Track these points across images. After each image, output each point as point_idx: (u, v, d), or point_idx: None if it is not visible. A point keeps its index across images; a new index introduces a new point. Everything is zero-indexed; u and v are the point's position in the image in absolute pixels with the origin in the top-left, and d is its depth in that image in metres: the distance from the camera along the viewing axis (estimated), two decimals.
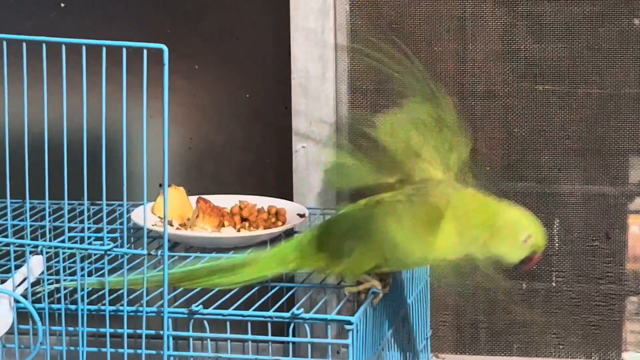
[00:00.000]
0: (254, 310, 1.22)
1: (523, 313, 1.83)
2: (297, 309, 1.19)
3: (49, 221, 1.60)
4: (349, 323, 1.16)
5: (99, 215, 1.61)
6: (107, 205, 1.65)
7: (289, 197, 1.77)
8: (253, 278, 1.28)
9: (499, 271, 1.31)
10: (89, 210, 1.65)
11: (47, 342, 1.22)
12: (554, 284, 1.82)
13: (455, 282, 1.29)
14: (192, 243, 1.46)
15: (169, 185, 1.55)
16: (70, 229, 1.57)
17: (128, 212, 1.56)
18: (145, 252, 1.19)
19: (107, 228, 1.57)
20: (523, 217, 1.30)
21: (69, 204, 1.57)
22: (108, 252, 1.22)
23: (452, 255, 1.28)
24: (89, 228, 1.57)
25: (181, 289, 1.29)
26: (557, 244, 1.81)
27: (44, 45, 1.15)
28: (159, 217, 1.52)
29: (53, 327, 1.23)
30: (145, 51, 1.13)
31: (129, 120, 1.19)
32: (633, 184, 1.79)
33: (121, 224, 1.59)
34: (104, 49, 1.14)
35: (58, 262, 1.25)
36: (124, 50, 1.14)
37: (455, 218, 1.26)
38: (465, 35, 1.79)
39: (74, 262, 1.23)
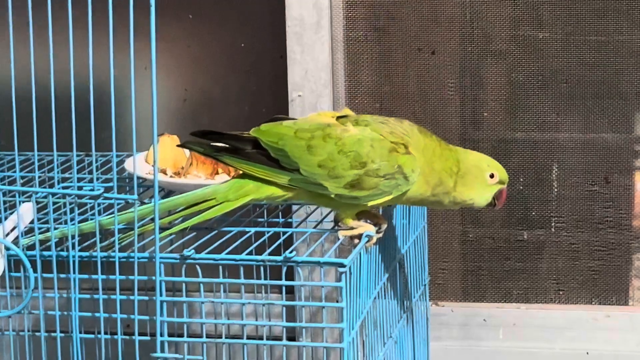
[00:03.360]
0: (248, 254, 1.21)
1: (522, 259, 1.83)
2: (290, 252, 1.18)
3: (44, 172, 1.60)
4: (342, 266, 1.15)
5: (93, 166, 1.60)
6: (102, 156, 1.65)
7: None
8: (219, 213, 1.28)
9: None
10: (83, 161, 1.65)
11: (40, 289, 1.22)
12: (553, 230, 1.81)
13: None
14: (186, 191, 1.45)
15: (162, 134, 1.55)
16: (65, 180, 1.56)
17: (123, 162, 1.56)
18: (135, 197, 1.18)
19: (101, 178, 1.58)
20: (481, 157, 1.32)
21: (63, 156, 1.59)
22: (98, 199, 1.21)
23: (418, 194, 1.28)
24: (82, 179, 1.58)
25: (173, 235, 1.28)
26: (555, 190, 1.80)
27: None
28: (152, 165, 1.50)
29: (45, 275, 1.22)
30: None
31: (126, 70, 1.18)
32: (637, 135, 1.78)
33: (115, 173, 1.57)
34: None
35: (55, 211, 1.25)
36: None
37: (425, 160, 1.26)
38: None
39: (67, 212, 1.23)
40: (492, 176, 1.32)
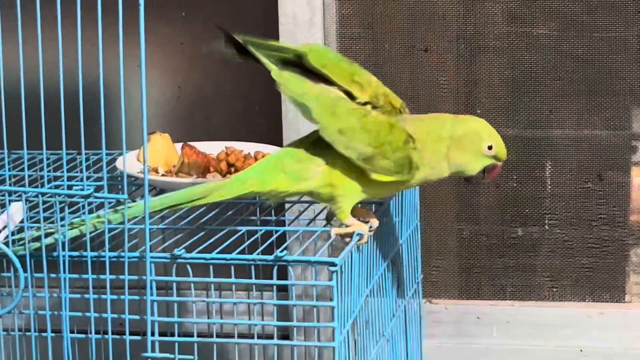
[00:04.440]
0: (240, 253, 1.21)
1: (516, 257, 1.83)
2: (281, 251, 1.18)
3: (35, 171, 1.59)
4: (333, 265, 1.15)
5: (83, 165, 1.59)
6: (94, 154, 1.65)
7: (279, 144, 1.75)
8: (218, 200, 1.28)
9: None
10: (75, 159, 1.65)
11: (30, 289, 1.21)
12: (546, 227, 1.81)
13: None
14: (178, 189, 1.45)
15: (154, 132, 1.55)
16: (56, 179, 1.55)
17: (115, 160, 1.55)
18: (126, 196, 1.17)
19: (92, 177, 1.57)
20: (483, 126, 1.29)
21: (55, 154, 1.58)
22: (89, 199, 1.20)
23: (422, 175, 1.28)
24: (74, 177, 1.57)
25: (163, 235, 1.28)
26: (549, 187, 1.80)
27: None
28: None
29: (35, 274, 1.22)
30: None
31: (118, 67, 1.18)
32: (632, 132, 1.78)
33: (107, 172, 1.57)
34: None
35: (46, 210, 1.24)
36: None
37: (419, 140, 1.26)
38: None
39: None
40: (490, 147, 1.28)
